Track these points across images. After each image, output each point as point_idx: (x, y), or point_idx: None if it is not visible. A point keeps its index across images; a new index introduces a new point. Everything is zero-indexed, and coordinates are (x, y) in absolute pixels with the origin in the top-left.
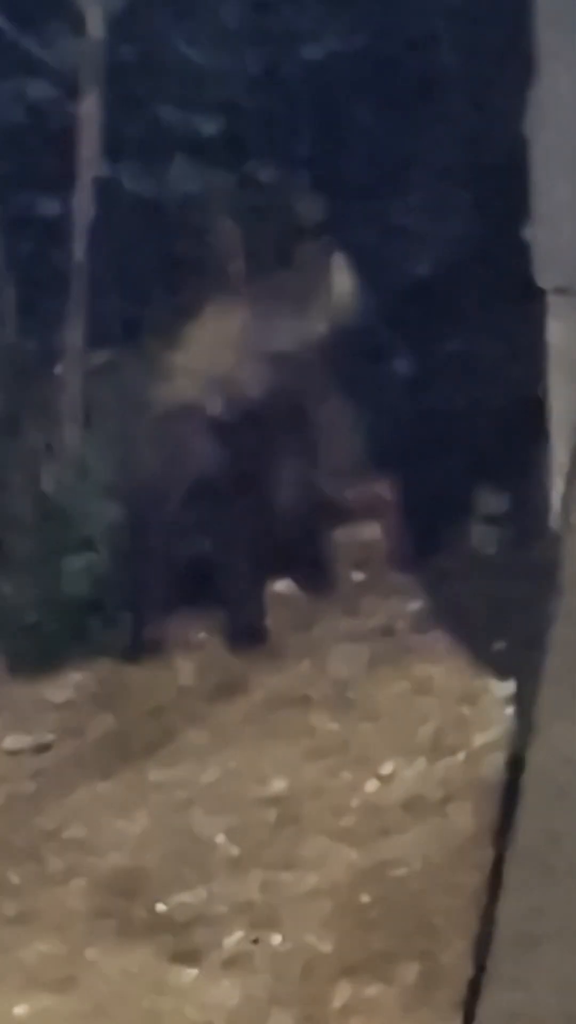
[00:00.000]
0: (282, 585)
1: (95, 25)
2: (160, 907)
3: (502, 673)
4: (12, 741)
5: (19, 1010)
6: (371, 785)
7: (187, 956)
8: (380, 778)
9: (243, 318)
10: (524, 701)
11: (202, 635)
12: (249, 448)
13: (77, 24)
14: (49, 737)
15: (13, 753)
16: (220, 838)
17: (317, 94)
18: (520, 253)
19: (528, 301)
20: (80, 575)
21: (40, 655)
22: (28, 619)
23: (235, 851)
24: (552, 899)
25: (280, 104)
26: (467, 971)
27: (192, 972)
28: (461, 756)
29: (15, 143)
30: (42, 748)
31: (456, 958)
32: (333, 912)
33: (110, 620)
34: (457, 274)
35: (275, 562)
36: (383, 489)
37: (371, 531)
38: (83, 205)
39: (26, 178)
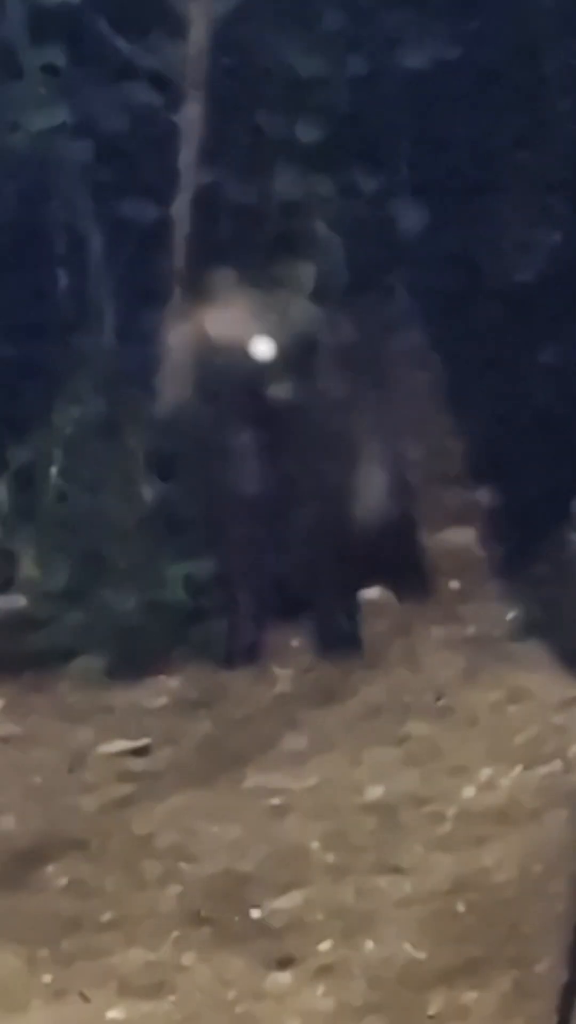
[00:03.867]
0: (378, 593)
1: (198, 32)
2: (255, 913)
3: None
4: (110, 745)
5: (113, 1014)
6: (467, 793)
7: (282, 962)
8: (477, 786)
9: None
10: None
11: (298, 643)
12: (345, 455)
13: (180, 31)
14: (146, 742)
15: (111, 757)
16: (316, 844)
17: (418, 101)
18: None
19: None
20: (181, 582)
21: (140, 660)
22: (129, 625)
23: (331, 857)
24: None
25: (381, 111)
26: (562, 979)
27: (287, 978)
28: (557, 764)
29: (118, 149)
30: (139, 753)
31: (551, 966)
32: (428, 919)
33: (209, 627)
34: (556, 282)
35: (371, 570)
36: (480, 497)
37: (467, 539)
38: (184, 211)
39: (128, 184)
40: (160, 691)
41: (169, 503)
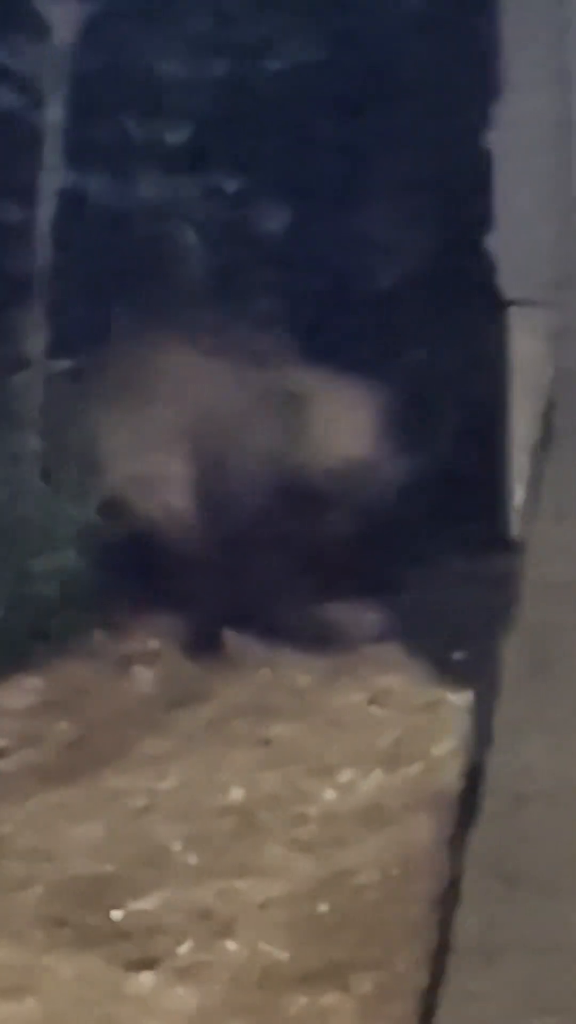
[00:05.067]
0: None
1: (61, 34)
2: (117, 915)
3: (460, 683)
4: None
5: None
6: (329, 794)
7: (144, 963)
8: (338, 787)
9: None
10: (482, 710)
11: (159, 643)
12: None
13: (43, 33)
14: (6, 743)
15: None
16: (177, 846)
17: (282, 105)
18: (484, 264)
19: (491, 312)
20: (45, 581)
21: (2, 660)
22: None
23: (193, 859)
24: (510, 910)
25: (245, 114)
26: (423, 981)
27: (149, 979)
28: (419, 766)
29: None
30: (0, 753)
31: (413, 968)
32: (290, 921)
33: (72, 626)
34: (421, 285)
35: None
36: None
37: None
38: (47, 213)
39: None
40: (22, 692)
41: (34, 501)
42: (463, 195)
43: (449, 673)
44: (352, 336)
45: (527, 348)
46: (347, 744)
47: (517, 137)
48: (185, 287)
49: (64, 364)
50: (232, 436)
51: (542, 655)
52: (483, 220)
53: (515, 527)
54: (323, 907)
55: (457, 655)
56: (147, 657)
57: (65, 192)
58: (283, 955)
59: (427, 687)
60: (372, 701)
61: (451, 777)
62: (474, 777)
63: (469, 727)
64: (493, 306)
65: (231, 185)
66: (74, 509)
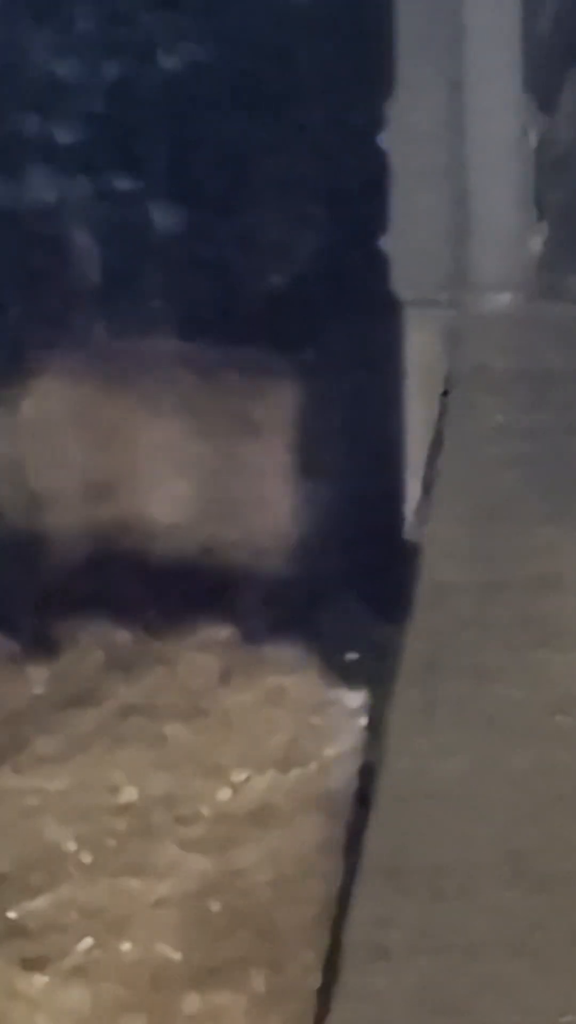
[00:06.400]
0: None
1: None
2: (11, 914)
3: (354, 683)
4: None
5: None
6: (222, 794)
7: (37, 963)
8: (232, 787)
9: None
10: (376, 711)
11: (52, 642)
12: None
13: None
14: None
15: None
16: (71, 846)
17: (175, 104)
18: (378, 265)
19: (385, 312)
20: None
21: None
22: None
23: (86, 859)
24: (402, 910)
25: (138, 114)
26: (316, 981)
27: (42, 979)
28: (312, 766)
29: None
30: None
31: (305, 968)
32: (183, 920)
33: None
34: (314, 286)
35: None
36: None
37: None
38: None
39: None
40: None
41: None
42: (356, 195)
43: (343, 673)
44: (244, 337)
45: (421, 349)
46: (241, 744)
47: (410, 137)
48: (77, 288)
49: None
50: (122, 439)
51: (435, 656)
52: (376, 220)
53: (410, 528)
54: (216, 907)
55: (350, 656)
56: (40, 657)
57: None
58: (176, 954)
59: (321, 687)
60: (265, 701)
61: (344, 777)
62: (367, 778)
63: (362, 728)
64: (387, 307)
65: (123, 185)
66: None
